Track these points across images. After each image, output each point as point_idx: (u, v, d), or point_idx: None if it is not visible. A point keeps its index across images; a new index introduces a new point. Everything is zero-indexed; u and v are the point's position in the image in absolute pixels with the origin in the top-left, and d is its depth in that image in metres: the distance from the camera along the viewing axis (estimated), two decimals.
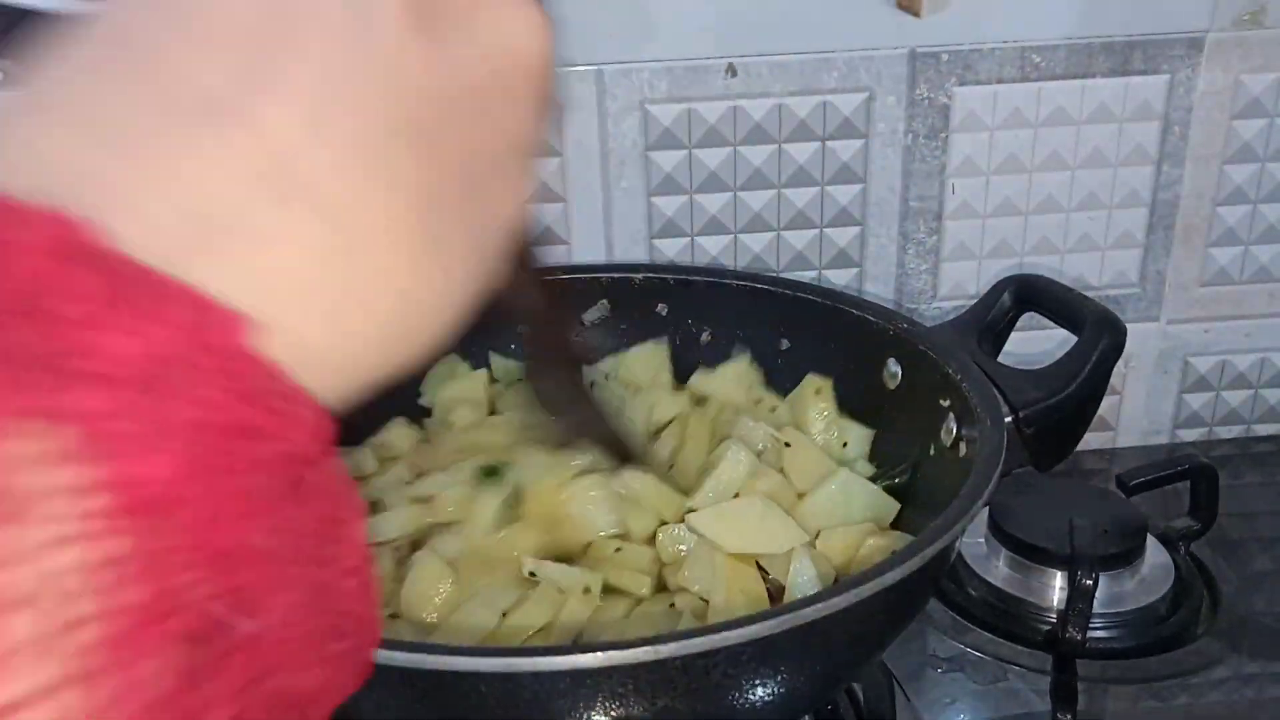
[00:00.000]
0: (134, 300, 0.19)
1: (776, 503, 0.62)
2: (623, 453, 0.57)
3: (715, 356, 0.77)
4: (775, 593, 0.59)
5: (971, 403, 0.60)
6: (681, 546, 0.60)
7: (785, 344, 0.75)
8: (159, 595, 0.18)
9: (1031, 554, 0.72)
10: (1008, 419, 0.60)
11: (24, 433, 0.17)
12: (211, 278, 0.20)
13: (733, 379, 0.74)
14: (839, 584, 0.48)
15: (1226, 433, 0.91)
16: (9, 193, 0.19)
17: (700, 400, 0.73)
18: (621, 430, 0.58)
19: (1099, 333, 0.63)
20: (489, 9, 0.25)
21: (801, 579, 0.57)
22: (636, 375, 0.75)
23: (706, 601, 0.58)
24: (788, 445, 0.67)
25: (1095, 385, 0.61)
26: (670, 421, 0.71)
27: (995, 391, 0.61)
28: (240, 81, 0.21)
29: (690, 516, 0.61)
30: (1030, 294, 0.69)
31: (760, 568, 0.60)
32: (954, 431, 0.62)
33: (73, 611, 0.17)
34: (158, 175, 0.20)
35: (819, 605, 0.46)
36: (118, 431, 0.18)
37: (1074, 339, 0.65)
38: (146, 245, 0.20)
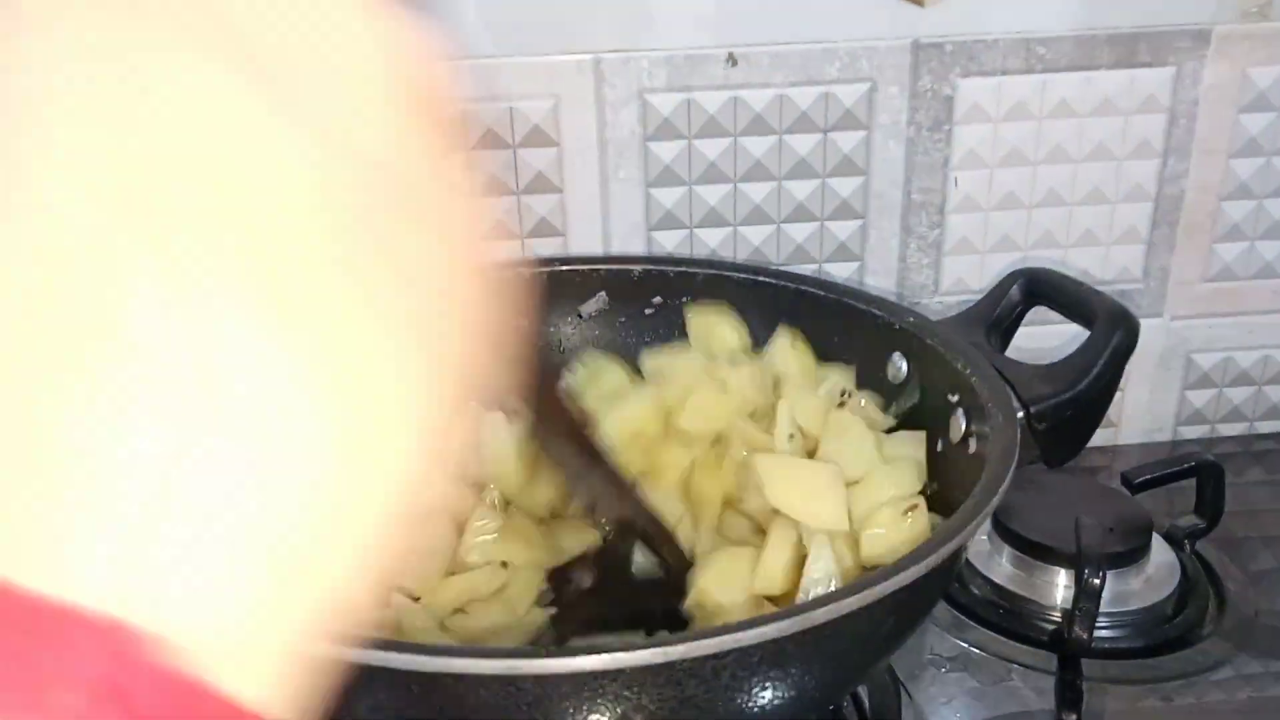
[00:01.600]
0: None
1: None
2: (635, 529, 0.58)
3: None
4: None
5: (982, 398, 0.59)
6: None
7: None
8: None
9: (1036, 552, 0.71)
10: (1019, 415, 0.58)
11: None
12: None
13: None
14: (850, 585, 0.47)
15: (1229, 430, 0.91)
16: None
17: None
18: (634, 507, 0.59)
19: (1112, 327, 0.61)
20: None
21: (815, 574, 0.56)
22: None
23: None
24: (845, 401, 0.67)
25: (1109, 380, 0.60)
26: None
27: (1007, 387, 0.60)
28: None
29: (757, 457, 0.61)
30: (1040, 288, 0.68)
31: None
32: (963, 428, 0.61)
33: None
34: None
35: (829, 607, 0.45)
36: None
37: (1081, 333, 0.64)
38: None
